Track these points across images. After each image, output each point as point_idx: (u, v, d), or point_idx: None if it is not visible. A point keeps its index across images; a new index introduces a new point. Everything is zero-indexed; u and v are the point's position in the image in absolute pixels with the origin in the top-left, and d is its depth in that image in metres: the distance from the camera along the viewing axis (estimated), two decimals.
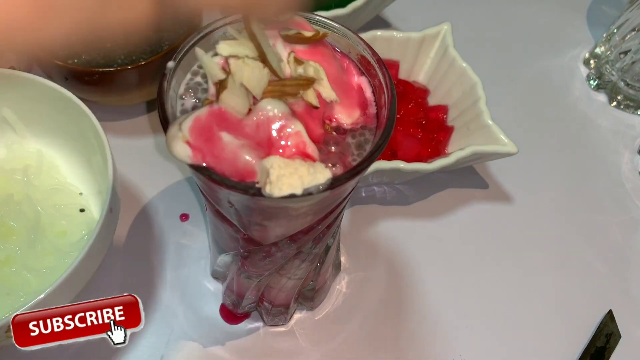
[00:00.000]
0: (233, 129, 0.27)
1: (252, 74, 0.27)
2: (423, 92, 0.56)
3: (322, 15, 0.33)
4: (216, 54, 0.30)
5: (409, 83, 0.56)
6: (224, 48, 0.28)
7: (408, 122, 0.53)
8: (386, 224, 0.53)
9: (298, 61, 0.29)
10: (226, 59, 0.28)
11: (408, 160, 0.49)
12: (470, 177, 0.57)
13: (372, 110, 0.32)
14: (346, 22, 0.38)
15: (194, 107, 0.31)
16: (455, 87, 0.54)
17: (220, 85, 0.27)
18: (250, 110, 0.28)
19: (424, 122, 0.54)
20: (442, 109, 0.55)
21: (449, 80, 0.55)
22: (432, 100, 0.56)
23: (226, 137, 0.27)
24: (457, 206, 0.55)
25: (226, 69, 0.28)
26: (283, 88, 0.28)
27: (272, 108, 0.28)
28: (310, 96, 0.29)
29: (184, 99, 0.32)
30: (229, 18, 0.32)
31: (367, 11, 0.59)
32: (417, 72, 0.58)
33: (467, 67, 0.53)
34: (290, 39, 0.30)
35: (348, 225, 0.53)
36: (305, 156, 0.28)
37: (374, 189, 0.55)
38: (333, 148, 0.30)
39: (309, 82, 0.29)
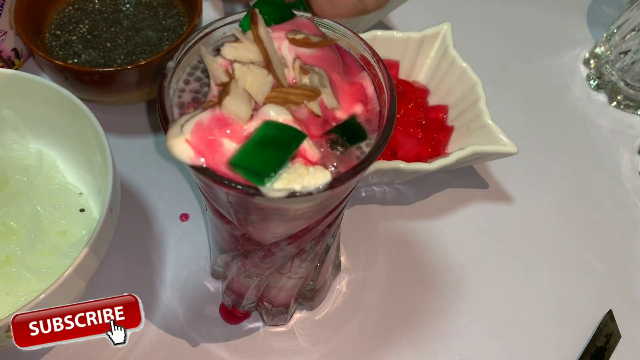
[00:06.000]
0: (234, 134, 0.27)
1: (255, 80, 0.27)
2: (423, 92, 0.56)
3: None
4: (217, 50, 0.30)
5: (409, 83, 0.56)
6: (228, 51, 0.28)
7: (408, 122, 0.53)
8: (386, 224, 0.53)
9: (304, 70, 0.29)
10: (230, 61, 0.28)
11: (408, 160, 0.49)
12: (470, 177, 0.57)
13: (375, 107, 0.32)
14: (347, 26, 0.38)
15: (193, 99, 0.31)
16: (455, 87, 0.54)
17: (224, 90, 0.27)
18: (252, 116, 0.28)
19: (424, 122, 0.54)
20: (442, 109, 0.55)
21: (449, 80, 0.55)
22: (432, 100, 0.56)
23: (227, 143, 0.27)
24: (457, 206, 0.55)
25: (229, 72, 0.28)
26: (287, 96, 0.28)
27: (274, 114, 0.28)
28: (314, 106, 0.29)
29: (182, 92, 0.31)
30: (229, 18, 0.32)
31: (368, 17, 0.59)
32: (417, 72, 0.57)
33: (467, 67, 0.53)
34: (297, 43, 0.29)
35: (348, 225, 0.53)
36: (306, 161, 0.28)
37: (374, 189, 0.55)
38: (333, 148, 0.30)
39: (314, 94, 0.29)
